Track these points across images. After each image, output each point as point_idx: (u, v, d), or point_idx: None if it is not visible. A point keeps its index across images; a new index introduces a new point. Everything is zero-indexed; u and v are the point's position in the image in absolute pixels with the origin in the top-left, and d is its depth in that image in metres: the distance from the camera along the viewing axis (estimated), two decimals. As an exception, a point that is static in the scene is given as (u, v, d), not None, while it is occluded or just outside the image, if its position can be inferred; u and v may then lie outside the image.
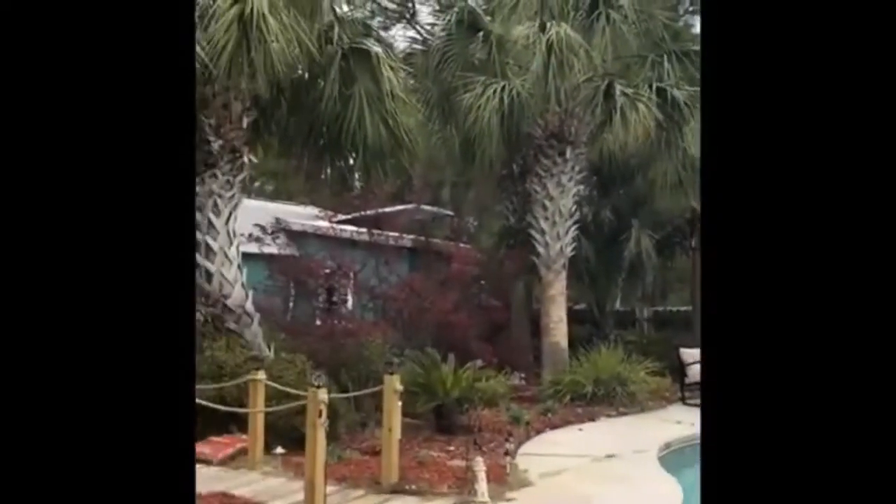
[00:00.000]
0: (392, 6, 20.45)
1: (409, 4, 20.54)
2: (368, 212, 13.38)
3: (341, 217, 14.40)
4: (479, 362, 9.61)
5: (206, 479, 6.99)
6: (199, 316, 9.12)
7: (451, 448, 8.36)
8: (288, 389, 7.58)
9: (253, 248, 11.45)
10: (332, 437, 8.52)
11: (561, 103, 11.62)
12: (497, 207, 16.91)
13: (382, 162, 9.82)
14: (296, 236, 13.57)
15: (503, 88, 10.88)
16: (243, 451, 7.64)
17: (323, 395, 5.77)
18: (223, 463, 7.64)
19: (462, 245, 13.84)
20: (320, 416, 5.74)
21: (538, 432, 9.51)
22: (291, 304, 12.52)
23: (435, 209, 16.20)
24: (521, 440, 8.93)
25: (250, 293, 9.45)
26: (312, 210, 16.98)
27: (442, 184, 19.64)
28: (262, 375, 7.46)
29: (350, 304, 12.42)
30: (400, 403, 6.73)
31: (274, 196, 23.61)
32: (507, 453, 7.26)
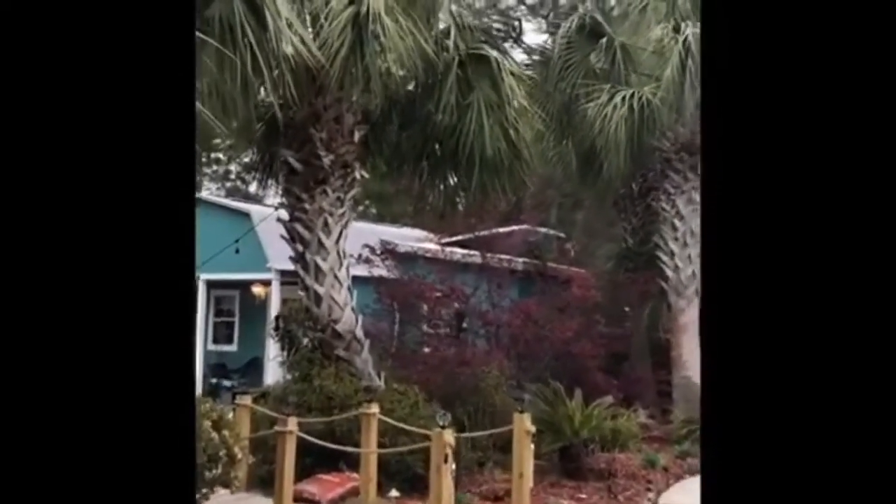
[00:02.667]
0: (497, 25, 19.83)
1: (516, 24, 19.87)
2: (478, 234, 12.66)
3: (448, 239, 13.74)
4: (609, 398, 8.62)
5: None
6: (306, 342, 8.58)
7: (583, 496, 7.41)
8: (402, 425, 6.87)
9: (361, 270, 10.91)
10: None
11: (683, 116, 10.55)
12: (611, 229, 15.85)
13: (500, 176, 9.04)
14: (403, 259, 12.95)
15: (632, 96, 9.93)
16: (354, 492, 6.95)
17: (449, 436, 5.01)
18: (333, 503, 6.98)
19: (577, 269, 12.86)
20: (446, 460, 4.97)
21: (677, 478, 8.41)
22: (397, 329, 11.86)
23: (546, 230, 15.29)
24: (660, 488, 7.87)
25: (360, 318, 8.84)
26: (419, 233, 16.44)
27: (550, 204, 18.69)
28: (374, 409, 6.77)
29: (462, 330, 11.68)
30: (532, 446, 5.88)
31: (377, 220, 23.27)
32: (655, 508, 6.24)
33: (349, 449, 6.79)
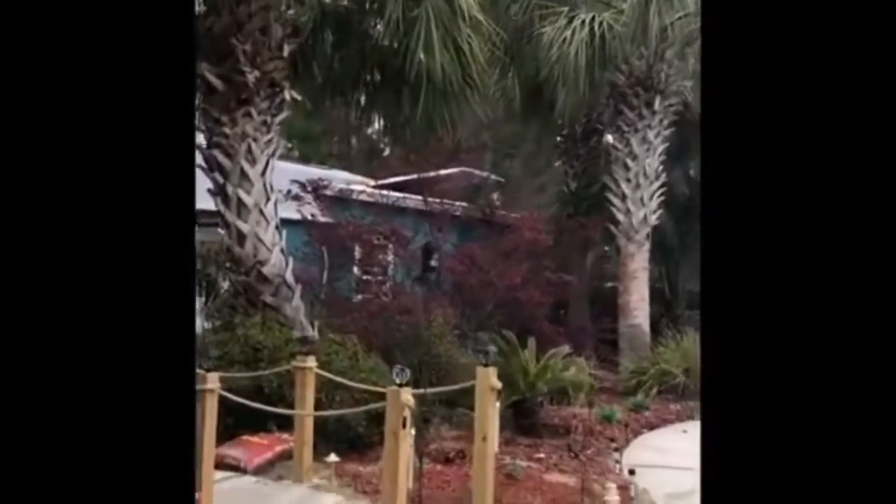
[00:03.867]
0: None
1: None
2: (413, 176, 11.74)
3: (382, 182, 12.74)
4: (565, 348, 7.95)
5: (239, 494, 5.41)
6: (229, 286, 7.54)
7: (541, 455, 6.73)
8: (343, 381, 5.99)
9: (289, 212, 9.77)
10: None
11: (649, 45, 9.79)
12: (548, 172, 15.17)
13: (448, 105, 8.09)
14: (335, 201, 11.86)
15: (592, 20, 9.05)
16: (286, 456, 6.05)
17: (408, 396, 4.15)
18: (260, 470, 6.06)
19: (523, 213, 12.08)
20: (405, 424, 4.12)
21: (635, 434, 7.86)
22: (328, 275, 10.82)
23: (486, 174, 14.43)
24: (620, 445, 7.28)
25: (290, 261, 7.83)
26: (348, 176, 15.30)
27: (488, 146, 17.82)
28: (310, 362, 5.85)
29: (398, 276, 10.80)
30: (498, 405, 5.09)
31: (302, 162, 21.92)
32: (631, 472, 5.60)
33: (284, 411, 5.87)
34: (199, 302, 7.82)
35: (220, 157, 7.33)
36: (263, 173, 7.47)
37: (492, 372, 5.05)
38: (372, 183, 13.50)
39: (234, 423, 6.54)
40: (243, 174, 7.34)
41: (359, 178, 15.13)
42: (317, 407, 5.97)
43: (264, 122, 7.42)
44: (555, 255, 11.61)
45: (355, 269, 10.00)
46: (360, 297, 10.13)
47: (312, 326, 7.74)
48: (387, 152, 20.62)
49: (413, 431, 4.25)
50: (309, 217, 10.13)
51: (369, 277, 9.87)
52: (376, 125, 9.25)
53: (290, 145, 23.45)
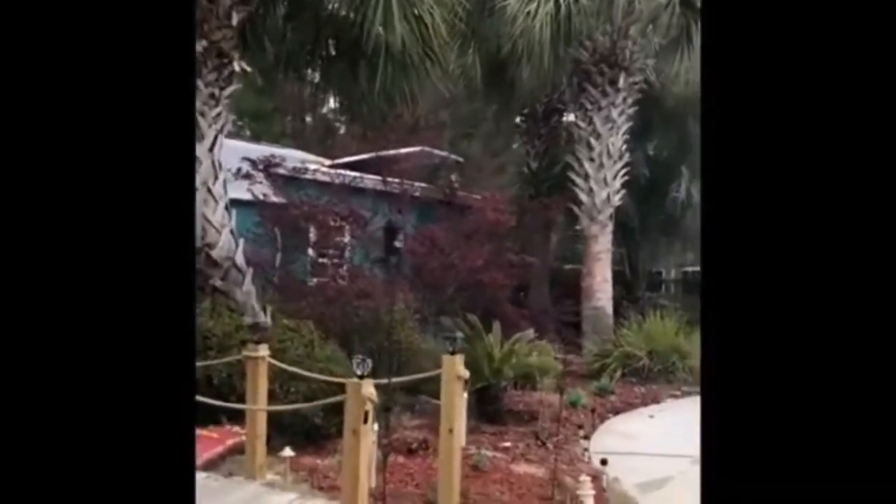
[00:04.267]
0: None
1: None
2: (368, 155, 11.33)
3: (337, 161, 12.30)
4: (530, 332, 7.70)
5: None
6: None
7: (507, 444, 6.48)
8: (297, 370, 5.63)
9: (240, 192, 9.27)
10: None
11: (614, 20, 9.52)
12: (508, 153, 14.89)
13: (408, 77, 7.71)
14: (288, 180, 11.38)
15: (557, -8, 8.75)
16: (237, 450, 5.68)
17: (370, 389, 3.82)
18: (211, 466, 5.68)
19: (484, 194, 11.77)
20: (366, 419, 3.80)
21: (601, 419, 7.66)
22: (282, 258, 10.36)
23: (445, 153, 14.06)
24: (588, 431, 7.08)
25: (241, 243, 7.40)
26: (302, 154, 14.76)
27: (445, 125, 17.42)
28: (263, 350, 5.47)
29: (356, 259, 10.41)
30: (465, 395, 4.80)
31: (253, 141, 21.23)
32: (603, 462, 5.37)
33: (237, 406, 5.49)
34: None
35: (164, 132, 6.85)
36: (211, 149, 7.02)
37: (458, 360, 4.75)
38: (328, 162, 13.05)
39: (182, 416, 6.17)
40: (189, 150, 6.87)
41: (313, 157, 14.64)
42: (271, 398, 5.61)
43: (212, 96, 6.96)
44: (517, 237, 11.35)
45: (310, 252, 9.57)
46: (315, 280, 9.71)
47: (265, 312, 7.34)
48: (342, 131, 20.10)
49: (375, 427, 3.93)
50: (261, 197, 9.66)
51: (325, 260, 9.45)
52: (331, 103, 8.78)
53: (240, 123, 22.70)
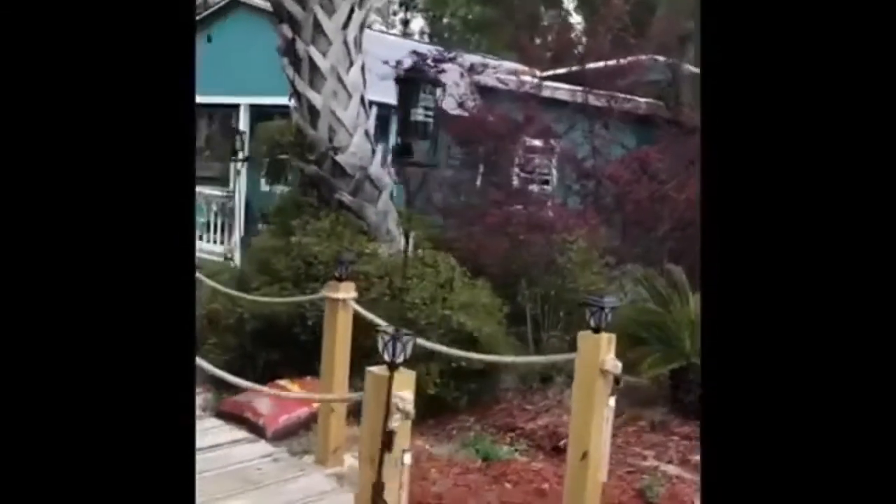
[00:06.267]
0: None
1: None
2: (580, 67, 9.32)
3: (549, 73, 10.31)
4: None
5: (224, 477, 3.64)
6: (291, 179, 5.78)
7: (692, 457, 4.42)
8: (376, 320, 3.98)
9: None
10: (489, 400, 5.10)
11: None
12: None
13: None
14: (484, 93, 9.61)
15: None
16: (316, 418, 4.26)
17: (407, 396, 2.11)
18: (288, 433, 4.35)
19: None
20: (390, 444, 2.08)
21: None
22: (451, 175, 8.59)
23: (676, 62, 11.39)
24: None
25: (380, 149, 5.89)
26: (510, 65, 12.95)
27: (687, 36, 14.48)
28: (343, 292, 3.93)
29: (550, 184, 8.55)
30: (613, 401, 2.89)
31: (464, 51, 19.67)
32: None
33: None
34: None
35: (289, 1, 5.43)
36: (345, 27, 5.49)
37: (606, 342, 2.83)
38: (539, 73, 11.10)
39: (279, 360, 4.91)
40: (317, 25, 5.41)
41: (523, 68, 12.74)
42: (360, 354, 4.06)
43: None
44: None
45: (481, 169, 7.85)
46: (490, 203, 7.92)
47: (407, 239, 5.79)
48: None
49: (408, 459, 2.20)
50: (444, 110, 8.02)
51: (498, 179, 7.64)
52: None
53: (468, 37, 21.05)
